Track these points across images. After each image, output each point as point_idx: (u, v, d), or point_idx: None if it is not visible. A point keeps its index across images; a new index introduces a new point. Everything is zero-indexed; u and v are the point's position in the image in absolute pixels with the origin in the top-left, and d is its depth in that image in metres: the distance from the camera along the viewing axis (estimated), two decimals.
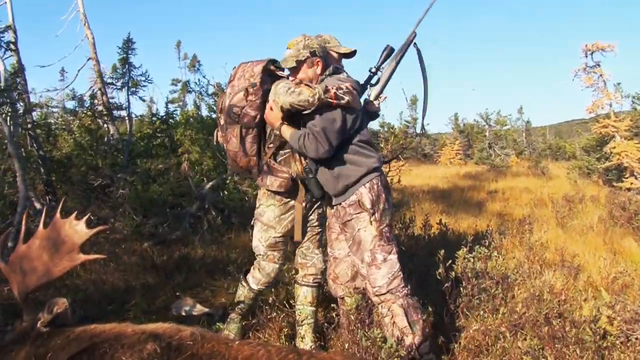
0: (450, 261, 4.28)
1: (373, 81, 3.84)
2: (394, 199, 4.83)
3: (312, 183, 3.59)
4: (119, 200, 7.43)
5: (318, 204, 4.00)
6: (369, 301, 3.58)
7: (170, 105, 9.77)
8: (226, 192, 7.17)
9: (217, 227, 7.11)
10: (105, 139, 8.52)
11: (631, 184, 13.24)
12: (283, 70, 3.80)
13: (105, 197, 7.80)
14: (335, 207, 3.63)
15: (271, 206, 3.90)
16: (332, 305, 4.03)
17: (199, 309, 4.75)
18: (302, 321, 4.02)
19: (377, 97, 3.83)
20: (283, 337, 4.00)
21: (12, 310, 4.31)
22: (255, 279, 4.03)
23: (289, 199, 3.87)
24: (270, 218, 3.91)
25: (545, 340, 3.62)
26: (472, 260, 4.38)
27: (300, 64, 3.60)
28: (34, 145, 8.23)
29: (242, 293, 4.09)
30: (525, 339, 3.61)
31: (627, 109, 15.29)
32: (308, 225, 4.00)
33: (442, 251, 4.15)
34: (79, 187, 7.85)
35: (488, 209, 11.01)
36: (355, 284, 3.74)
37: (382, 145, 9.54)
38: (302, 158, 3.68)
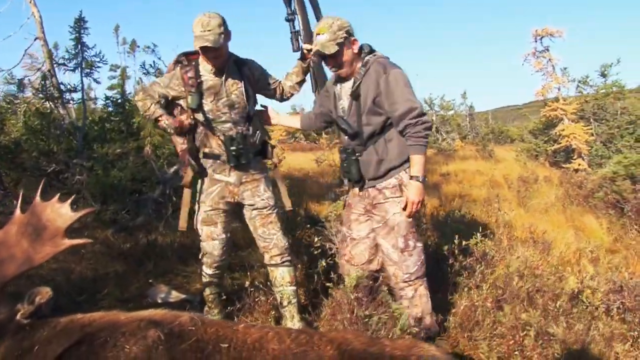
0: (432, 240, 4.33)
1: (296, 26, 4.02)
2: None
3: (353, 165, 3.58)
4: (75, 187, 7.12)
5: (256, 187, 4.00)
6: (371, 282, 3.56)
7: (108, 92, 9.43)
8: None
9: None
10: (58, 122, 8.14)
11: (579, 165, 13.65)
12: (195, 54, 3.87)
13: (60, 183, 7.45)
14: (365, 190, 3.61)
15: (202, 183, 4.03)
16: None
17: (175, 295, 4.62)
18: (285, 303, 4.01)
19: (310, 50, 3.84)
20: (272, 319, 3.93)
21: None
22: (205, 263, 4.07)
23: (213, 174, 3.98)
24: (201, 194, 4.03)
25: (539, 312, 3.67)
26: (456, 239, 4.44)
27: (341, 47, 3.50)
28: None
29: (205, 281, 4.12)
30: (522, 312, 3.65)
31: (573, 93, 15.70)
32: (257, 211, 4.01)
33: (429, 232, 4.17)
34: (32, 173, 7.47)
35: (446, 190, 11.14)
36: (370, 267, 3.72)
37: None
38: (342, 139, 3.68)
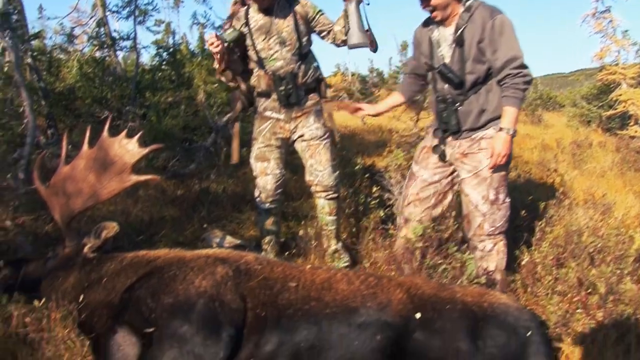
0: None
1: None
2: None
3: (452, 115, 3.50)
4: (128, 134, 7.21)
5: (306, 119, 4.06)
6: (438, 233, 3.52)
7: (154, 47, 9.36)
8: (246, 124, 6.98)
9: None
10: (111, 70, 8.21)
11: (635, 131, 13.19)
12: None
13: (112, 130, 7.54)
14: (457, 138, 3.53)
15: (254, 121, 4.17)
16: None
17: (230, 240, 4.64)
18: (324, 228, 4.19)
19: None
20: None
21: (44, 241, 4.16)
22: (260, 199, 4.18)
23: (264, 111, 4.09)
24: (254, 132, 4.15)
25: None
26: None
27: None
28: (35, 76, 7.91)
29: (259, 220, 4.29)
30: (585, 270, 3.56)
31: (632, 58, 15.05)
32: (305, 142, 4.09)
33: None
34: (85, 120, 7.57)
35: None
36: (433, 212, 3.68)
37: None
38: (439, 88, 3.59)
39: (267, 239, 4.26)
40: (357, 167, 4.83)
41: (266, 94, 4.05)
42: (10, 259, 3.45)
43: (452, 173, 3.68)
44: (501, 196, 3.50)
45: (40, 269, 3.12)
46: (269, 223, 4.24)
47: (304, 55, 4.00)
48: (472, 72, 3.40)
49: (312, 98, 4.10)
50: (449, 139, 3.62)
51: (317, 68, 4.14)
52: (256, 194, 4.21)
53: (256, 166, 4.14)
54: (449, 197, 3.75)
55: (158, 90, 8.02)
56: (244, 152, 6.79)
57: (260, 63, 3.96)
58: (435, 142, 3.69)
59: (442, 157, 3.65)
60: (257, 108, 4.14)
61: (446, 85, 3.52)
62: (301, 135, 4.07)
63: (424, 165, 3.75)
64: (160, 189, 5.99)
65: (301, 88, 4.00)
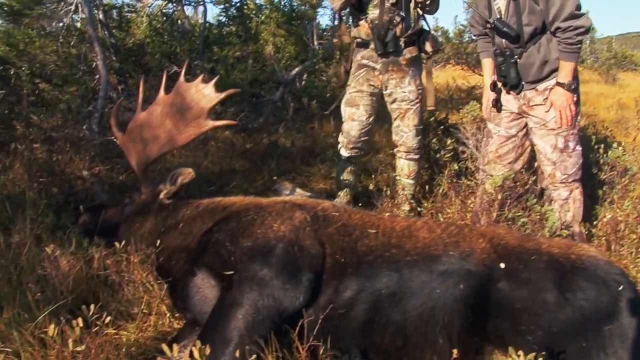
0: None
1: None
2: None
3: (512, 68, 3.39)
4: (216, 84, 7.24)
5: (402, 78, 3.98)
6: (516, 184, 3.39)
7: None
8: (314, 78, 6.91)
9: (305, 115, 6.91)
10: (180, 25, 8.24)
11: None
12: None
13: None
14: (521, 92, 3.41)
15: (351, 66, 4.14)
16: None
17: (300, 192, 4.60)
18: (400, 191, 4.12)
19: None
20: None
21: (119, 189, 4.25)
22: (342, 143, 4.18)
23: (360, 60, 4.05)
24: (349, 79, 4.13)
25: None
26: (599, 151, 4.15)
27: None
28: (105, 32, 8.02)
29: (339, 168, 4.28)
30: None
31: None
32: (395, 104, 4.05)
33: None
34: (155, 74, 7.65)
35: None
36: (515, 166, 3.57)
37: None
38: (496, 42, 3.45)
39: (342, 185, 4.26)
40: (431, 119, 4.67)
41: (365, 44, 4.01)
42: (89, 205, 3.53)
43: (527, 124, 3.54)
44: (571, 144, 3.38)
45: (118, 214, 3.17)
46: (347, 172, 4.23)
47: (405, 5, 3.88)
48: (529, 23, 3.24)
49: (411, 52, 3.99)
50: (511, 92, 3.47)
51: (420, 20, 4.01)
52: (340, 139, 4.21)
53: (345, 111, 4.14)
54: (529, 148, 3.62)
55: (226, 45, 8.01)
56: (314, 106, 6.78)
57: (361, 8, 3.93)
58: (493, 96, 3.56)
59: (500, 114, 3.56)
60: (355, 58, 4.12)
61: (503, 40, 3.38)
62: (391, 95, 4.03)
63: (497, 121, 3.63)
64: (229, 142, 6.02)
65: (399, 38, 3.89)
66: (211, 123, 2.92)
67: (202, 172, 4.96)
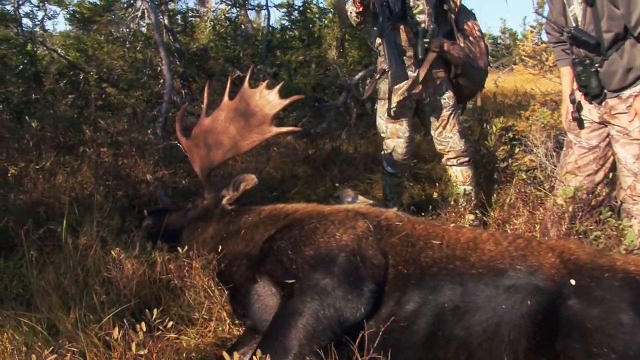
0: None
1: None
2: None
3: (592, 77, 3.22)
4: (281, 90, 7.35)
5: (439, 85, 3.96)
6: (589, 196, 3.28)
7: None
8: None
9: (369, 120, 6.92)
10: (243, 29, 8.40)
11: None
12: None
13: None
14: (603, 100, 3.29)
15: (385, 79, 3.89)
16: None
17: (362, 200, 4.60)
18: (460, 200, 3.99)
19: None
20: None
21: (181, 193, 4.37)
22: (387, 160, 4.16)
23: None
24: (385, 90, 3.94)
25: None
26: None
27: None
28: (170, 37, 8.24)
29: (385, 182, 4.29)
30: None
31: None
32: (435, 111, 4.03)
33: None
34: (218, 79, 7.81)
35: None
36: (595, 178, 3.43)
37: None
38: (577, 50, 3.32)
39: (389, 197, 4.27)
40: (496, 128, 4.58)
41: (402, 51, 3.86)
42: (152, 209, 3.64)
43: (609, 133, 3.39)
44: None
45: (181, 219, 3.27)
46: (394, 184, 4.24)
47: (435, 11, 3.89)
48: (609, 30, 3.05)
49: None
50: (592, 102, 3.34)
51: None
52: (384, 155, 4.18)
53: (387, 127, 4.06)
54: (611, 159, 3.45)
55: (288, 49, 8.10)
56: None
57: (403, 15, 3.80)
58: (572, 106, 3.43)
59: (581, 124, 3.41)
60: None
61: (582, 49, 3.22)
62: (432, 103, 4.00)
63: (577, 132, 3.48)
64: (291, 147, 6.09)
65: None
66: (275, 129, 2.98)
67: (264, 177, 5.03)
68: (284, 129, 3.10)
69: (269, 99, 2.93)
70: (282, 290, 2.35)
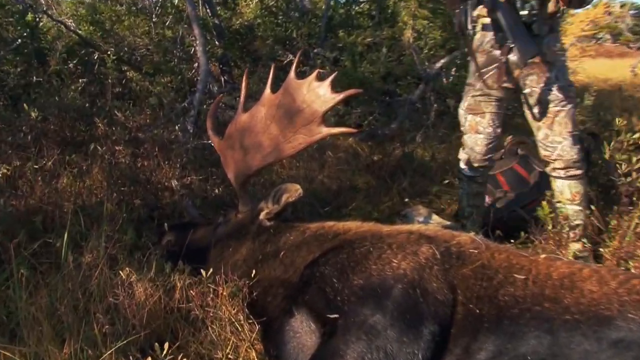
0: None
1: None
2: None
3: None
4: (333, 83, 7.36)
5: (545, 72, 3.84)
6: None
7: None
8: (465, 72, 6.88)
9: (451, 120, 6.93)
10: (298, 3, 8.49)
11: None
12: None
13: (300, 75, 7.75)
14: None
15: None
16: None
17: (437, 220, 4.65)
18: (562, 221, 3.87)
19: None
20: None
21: (213, 205, 4.49)
22: (463, 160, 4.21)
23: (490, 49, 3.91)
24: (470, 75, 4.10)
25: None
26: None
27: None
28: (207, 10, 8.31)
29: (462, 191, 4.34)
30: None
31: None
32: (537, 105, 3.91)
33: None
34: (265, 64, 7.90)
35: None
36: None
37: None
38: None
39: (467, 212, 4.29)
40: (618, 128, 4.47)
41: (496, 27, 3.77)
42: (175, 223, 3.77)
43: None
44: None
45: (209, 236, 3.39)
46: (471, 193, 4.26)
47: None
48: None
49: (558, 40, 3.89)
50: None
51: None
52: (460, 155, 4.24)
53: (466, 119, 4.13)
54: None
55: (354, 29, 8.16)
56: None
57: None
58: None
59: None
60: (477, 45, 4.00)
61: None
62: (534, 95, 3.89)
63: None
64: (352, 152, 6.17)
65: (547, 20, 3.76)
66: (325, 130, 3.01)
67: (315, 188, 5.13)
68: (336, 130, 3.16)
69: (318, 93, 2.98)
70: (323, 327, 2.42)
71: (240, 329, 2.84)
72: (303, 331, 2.53)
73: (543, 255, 2.69)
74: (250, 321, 2.87)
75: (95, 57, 6.89)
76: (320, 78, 3.05)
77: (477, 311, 2.36)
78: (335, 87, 2.96)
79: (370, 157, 6.06)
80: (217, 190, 4.75)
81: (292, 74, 3.08)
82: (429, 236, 2.70)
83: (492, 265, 2.54)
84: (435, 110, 7.01)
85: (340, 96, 2.96)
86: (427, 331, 2.29)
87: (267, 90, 3.20)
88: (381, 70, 7.10)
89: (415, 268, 2.47)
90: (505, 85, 3.91)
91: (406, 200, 5.03)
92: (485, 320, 2.33)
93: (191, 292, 2.92)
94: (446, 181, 5.50)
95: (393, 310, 2.33)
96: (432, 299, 2.37)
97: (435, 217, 4.72)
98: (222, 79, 8.22)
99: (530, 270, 2.50)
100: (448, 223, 4.64)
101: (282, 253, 2.94)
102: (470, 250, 2.63)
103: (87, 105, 5.65)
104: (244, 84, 3.33)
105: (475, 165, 4.14)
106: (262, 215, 3.21)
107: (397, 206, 4.99)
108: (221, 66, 8.32)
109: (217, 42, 8.13)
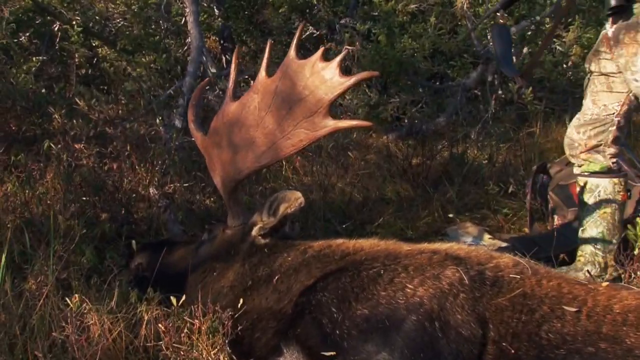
0: None
1: None
2: None
3: None
4: (342, 64, 7.31)
5: (632, 49, 3.83)
6: None
7: None
8: (535, 47, 6.87)
9: (517, 111, 6.95)
10: None
11: None
12: None
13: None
14: None
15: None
16: None
17: (489, 241, 4.71)
18: None
19: None
20: None
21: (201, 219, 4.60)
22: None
23: None
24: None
25: None
26: None
27: None
28: None
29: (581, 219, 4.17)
30: None
31: None
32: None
33: None
34: (278, 38, 7.88)
35: None
36: None
37: None
38: None
39: (600, 250, 4.10)
40: None
41: None
42: (147, 242, 3.88)
43: None
44: None
45: (189, 257, 3.50)
46: (609, 223, 4.09)
47: None
48: None
49: None
50: None
51: None
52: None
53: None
54: None
55: None
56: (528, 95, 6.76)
57: None
58: None
59: None
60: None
61: None
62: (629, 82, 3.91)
63: None
64: (384, 153, 6.27)
65: None
66: (332, 124, 3.05)
67: (333, 198, 5.23)
68: (345, 124, 3.23)
69: (324, 77, 3.02)
70: None
71: None
72: None
73: (605, 283, 2.75)
74: None
75: (56, 29, 6.90)
76: (327, 58, 3.07)
77: (513, 351, 2.42)
78: (345, 67, 2.99)
79: (408, 160, 6.08)
80: (208, 201, 4.84)
81: (291, 52, 3.14)
82: (458, 257, 2.78)
83: (536, 294, 2.61)
84: (498, 98, 7.00)
85: (350, 81, 2.99)
86: None
87: (262, 73, 3.25)
88: (426, 47, 7.01)
89: (435, 296, 2.54)
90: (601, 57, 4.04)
91: (450, 215, 5.09)
92: None
93: (161, 326, 2.95)
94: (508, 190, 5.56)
95: (403, 348, 2.40)
96: (454, 334, 2.45)
97: (487, 237, 4.77)
98: (224, 58, 8.15)
99: (586, 302, 2.56)
100: (504, 244, 4.70)
101: (276, 278, 3.03)
102: (511, 276, 2.70)
103: (43, 90, 5.69)
104: (233, 65, 3.40)
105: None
106: (254, 231, 3.29)
107: (438, 223, 5.06)
108: (222, 42, 8.29)
109: (216, 11, 8.20)
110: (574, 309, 2.53)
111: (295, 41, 3.18)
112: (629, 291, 2.68)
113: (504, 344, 2.46)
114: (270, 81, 3.22)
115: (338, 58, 3.03)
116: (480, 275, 2.69)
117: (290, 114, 3.14)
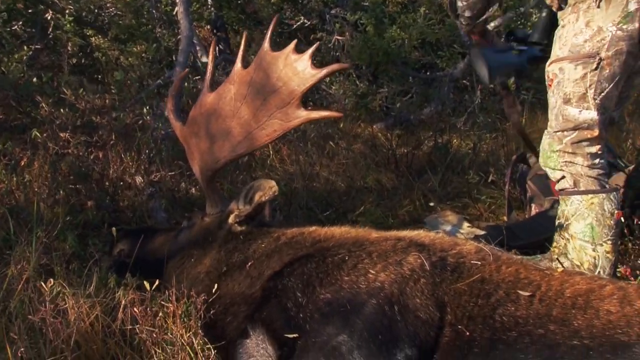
0: None
1: None
2: None
3: None
4: (331, 53, 7.44)
5: None
6: None
7: None
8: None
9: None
10: None
11: None
12: None
13: (308, 46, 7.77)
14: None
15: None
16: None
17: (467, 229, 4.77)
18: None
19: None
20: None
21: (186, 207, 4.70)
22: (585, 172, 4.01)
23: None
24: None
25: None
26: None
27: None
28: None
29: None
30: None
31: None
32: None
33: None
34: (268, 28, 7.85)
35: None
36: None
37: None
38: None
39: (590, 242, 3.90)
40: None
41: None
42: (128, 228, 3.99)
43: None
44: None
45: (169, 243, 3.61)
46: (597, 214, 3.90)
47: None
48: None
49: None
50: None
51: None
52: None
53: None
54: None
55: None
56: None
57: None
58: None
59: None
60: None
61: None
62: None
63: None
64: (370, 143, 6.34)
65: None
66: (304, 114, 3.18)
67: (317, 187, 5.34)
68: (317, 114, 3.32)
69: (296, 69, 3.13)
70: (280, 350, 2.59)
71: (193, 356, 2.95)
72: (258, 354, 2.71)
73: (560, 269, 2.83)
74: (208, 346, 2.98)
75: (49, 18, 6.90)
76: (300, 50, 3.18)
77: (468, 333, 2.50)
78: (316, 59, 3.07)
79: (393, 150, 6.14)
80: (194, 190, 4.94)
81: (265, 44, 3.25)
82: (422, 244, 2.88)
83: (493, 279, 2.69)
84: (484, 88, 7.09)
85: (322, 73, 3.10)
86: (402, 355, 2.44)
87: (238, 64, 3.37)
88: (414, 37, 7.06)
89: (395, 280, 2.63)
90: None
91: (432, 204, 5.19)
92: (475, 344, 2.47)
93: (135, 310, 3.03)
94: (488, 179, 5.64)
95: (363, 330, 2.48)
96: (412, 317, 2.53)
97: (466, 225, 4.84)
98: (218, 47, 8.18)
99: (539, 286, 2.64)
100: (482, 232, 4.77)
101: (249, 264, 3.13)
102: (473, 262, 2.79)
103: (34, 79, 5.72)
104: (210, 56, 3.52)
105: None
106: (230, 219, 3.39)
107: (419, 211, 5.14)
108: (215, 31, 8.46)
109: (208, 0, 8.24)
110: (527, 294, 2.61)
111: (269, 33, 3.29)
112: (581, 276, 2.75)
113: (459, 326, 2.53)
114: (246, 72, 3.32)
115: (310, 50, 3.14)
116: (442, 261, 2.78)
117: (265, 105, 3.25)
